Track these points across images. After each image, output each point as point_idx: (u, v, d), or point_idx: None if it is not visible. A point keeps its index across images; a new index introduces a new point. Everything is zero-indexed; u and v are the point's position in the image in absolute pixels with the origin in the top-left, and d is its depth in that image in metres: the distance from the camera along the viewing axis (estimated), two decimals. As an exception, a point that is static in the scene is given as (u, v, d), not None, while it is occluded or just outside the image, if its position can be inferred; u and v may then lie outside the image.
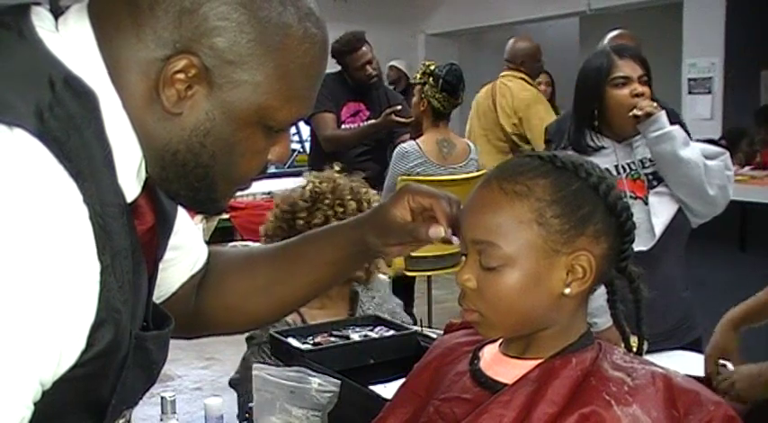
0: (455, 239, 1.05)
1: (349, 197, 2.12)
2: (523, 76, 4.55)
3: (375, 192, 2.27)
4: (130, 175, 0.84)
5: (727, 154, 2.38)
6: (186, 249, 1.08)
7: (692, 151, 2.26)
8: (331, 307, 2.10)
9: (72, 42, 0.81)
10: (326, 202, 2.08)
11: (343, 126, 4.13)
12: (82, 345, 0.76)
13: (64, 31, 0.82)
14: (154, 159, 0.85)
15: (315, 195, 2.10)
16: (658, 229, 2.27)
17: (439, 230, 1.03)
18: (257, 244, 2.88)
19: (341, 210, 2.08)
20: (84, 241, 0.74)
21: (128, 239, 0.81)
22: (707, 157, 2.30)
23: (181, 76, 0.80)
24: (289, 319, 2.01)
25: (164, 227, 0.98)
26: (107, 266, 0.76)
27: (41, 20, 0.82)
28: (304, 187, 2.13)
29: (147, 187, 0.89)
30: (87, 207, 0.75)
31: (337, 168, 2.23)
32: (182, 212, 1.05)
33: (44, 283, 0.71)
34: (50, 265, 0.71)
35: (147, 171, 0.87)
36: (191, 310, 1.12)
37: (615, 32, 3.57)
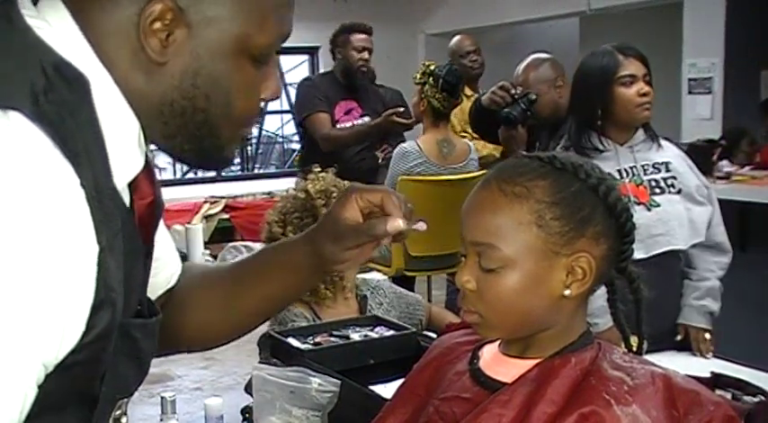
0: (421, 226, 1.03)
1: (345, 184, 2.16)
2: None
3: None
4: (132, 149, 0.85)
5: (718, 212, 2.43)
6: (163, 261, 1.07)
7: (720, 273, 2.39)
8: (344, 305, 2.12)
9: (54, 25, 0.81)
10: (334, 195, 2.11)
11: (337, 125, 4.13)
12: (82, 326, 0.76)
13: (44, 15, 0.82)
14: (154, 117, 0.86)
15: (322, 193, 2.13)
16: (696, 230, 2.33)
17: (397, 223, 1.01)
18: (257, 244, 2.89)
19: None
20: (81, 222, 0.75)
21: (119, 222, 0.81)
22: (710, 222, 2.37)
23: (158, 24, 0.81)
24: (308, 315, 2.05)
25: (159, 209, 0.98)
26: (104, 247, 0.76)
27: (26, 7, 0.82)
28: (305, 192, 2.15)
29: (147, 167, 0.90)
30: (84, 189, 0.75)
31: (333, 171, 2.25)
32: (160, 226, 1.04)
33: (44, 265, 0.71)
34: (50, 246, 0.72)
35: (147, 140, 0.87)
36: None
37: (536, 57, 3.31)
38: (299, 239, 1.12)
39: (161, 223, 1.05)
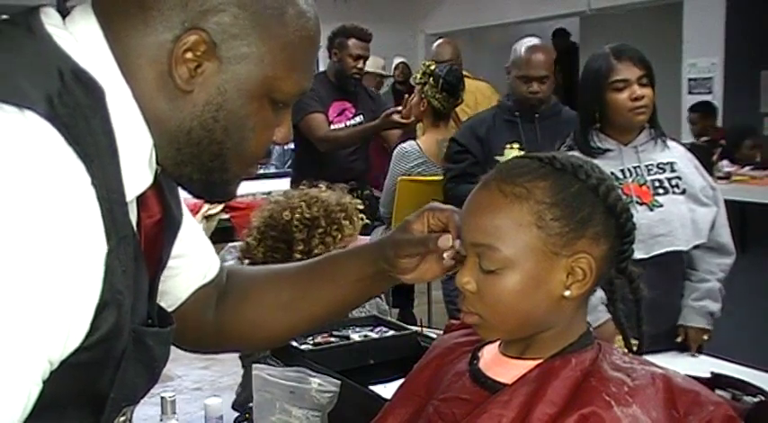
0: (456, 243, 1.05)
1: (342, 216, 2.09)
2: None
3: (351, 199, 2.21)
4: (141, 164, 0.86)
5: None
6: (193, 258, 1.09)
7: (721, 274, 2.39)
8: None
9: (79, 37, 0.84)
10: (320, 229, 2.05)
11: (331, 126, 4.11)
12: (87, 326, 0.77)
13: (71, 28, 0.84)
14: (168, 142, 0.87)
15: (308, 222, 2.05)
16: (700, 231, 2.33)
17: (447, 239, 1.05)
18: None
19: (336, 234, 2.06)
20: (92, 221, 0.76)
21: (129, 229, 0.83)
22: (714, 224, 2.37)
23: (189, 54, 0.84)
24: None
25: (170, 227, 0.99)
26: (112, 249, 0.78)
27: (50, 17, 0.85)
28: (292, 214, 2.06)
29: (156, 184, 0.91)
30: (95, 189, 0.77)
31: (323, 187, 2.18)
32: (188, 221, 1.06)
33: (53, 261, 0.72)
34: (59, 243, 0.73)
35: (158, 161, 0.89)
36: (208, 322, 1.13)
37: (530, 43, 3.33)
38: (371, 245, 1.17)
39: (190, 220, 1.07)
